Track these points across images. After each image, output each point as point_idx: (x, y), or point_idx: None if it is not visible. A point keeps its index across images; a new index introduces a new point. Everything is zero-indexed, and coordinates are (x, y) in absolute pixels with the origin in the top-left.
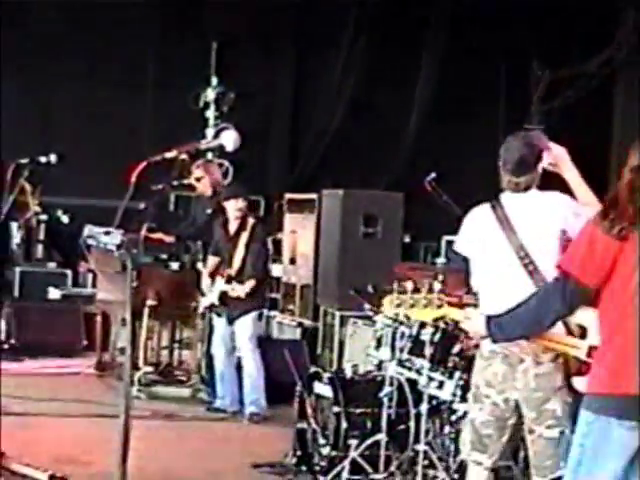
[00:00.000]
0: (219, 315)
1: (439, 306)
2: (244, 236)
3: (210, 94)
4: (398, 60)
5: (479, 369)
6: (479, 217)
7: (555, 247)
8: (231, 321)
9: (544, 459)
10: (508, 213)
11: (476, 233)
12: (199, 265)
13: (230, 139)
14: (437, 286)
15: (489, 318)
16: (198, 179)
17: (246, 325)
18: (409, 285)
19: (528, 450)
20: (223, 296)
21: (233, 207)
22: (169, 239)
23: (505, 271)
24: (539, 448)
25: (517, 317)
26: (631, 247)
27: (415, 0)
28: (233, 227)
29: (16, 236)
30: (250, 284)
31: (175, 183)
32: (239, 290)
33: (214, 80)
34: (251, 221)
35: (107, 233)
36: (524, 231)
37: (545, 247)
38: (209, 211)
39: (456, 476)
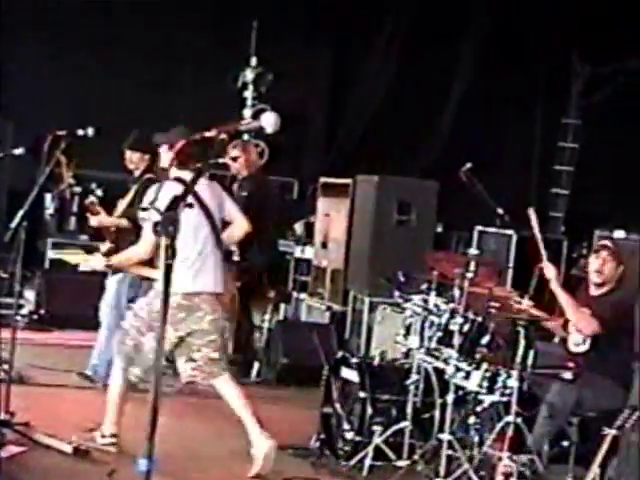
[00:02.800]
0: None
1: None
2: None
3: (249, 74)
4: (437, 50)
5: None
6: (176, 189)
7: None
8: None
9: (210, 366)
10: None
11: None
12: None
13: (270, 121)
14: (469, 275)
15: None
16: (234, 158)
17: (108, 287)
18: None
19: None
20: None
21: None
22: None
23: (198, 231)
24: (206, 361)
25: None
26: None
27: None
28: None
29: (50, 207)
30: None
31: (212, 162)
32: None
33: (253, 60)
34: (147, 177)
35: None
36: (208, 202)
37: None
38: (244, 193)
39: (479, 466)
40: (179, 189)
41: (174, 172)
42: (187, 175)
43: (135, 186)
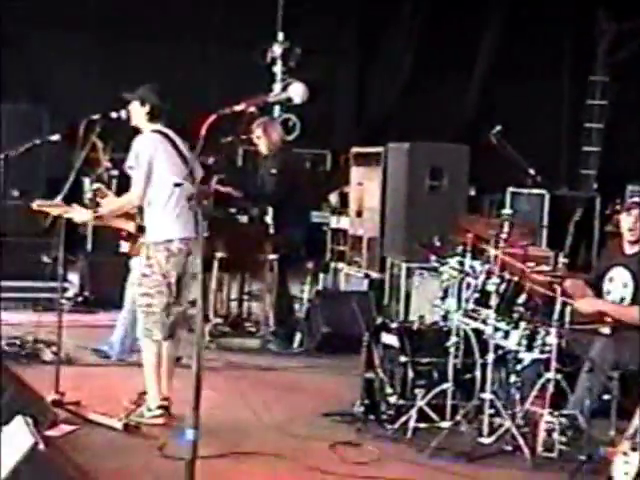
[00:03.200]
0: None
1: None
2: None
3: (277, 50)
4: (463, 14)
5: (174, 264)
6: (157, 140)
7: None
8: None
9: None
10: (174, 139)
11: (158, 151)
12: (267, 218)
13: (298, 92)
14: (503, 235)
15: None
16: (258, 137)
17: (133, 268)
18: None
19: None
20: None
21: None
22: (237, 194)
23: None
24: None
25: None
26: None
27: None
28: None
29: (88, 191)
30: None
31: (244, 137)
32: None
33: (280, 35)
34: None
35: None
36: (186, 154)
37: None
38: (274, 171)
39: (521, 423)
40: (160, 139)
41: (149, 126)
42: (160, 127)
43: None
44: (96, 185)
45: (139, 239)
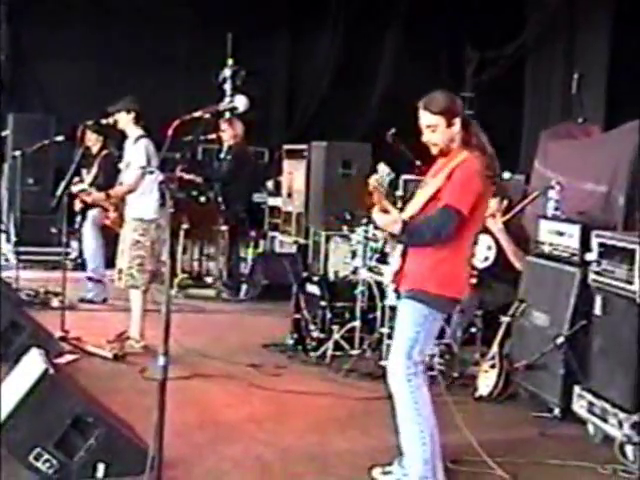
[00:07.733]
0: None
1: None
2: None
3: (227, 72)
4: (367, 41)
5: (158, 234)
6: (152, 144)
7: None
8: None
9: None
10: None
11: (154, 153)
12: (219, 199)
13: (241, 102)
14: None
15: (405, 224)
16: (223, 130)
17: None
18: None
19: None
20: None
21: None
22: (198, 179)
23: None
24: None
25: (421, 232)
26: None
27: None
28: None
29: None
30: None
31: (201, 137)
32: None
33: (230, 61)
34: (105, 152)
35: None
36: None
37: None
38: (229, 157)
39: None
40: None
41: (135, 129)
42: (141, 130)
43: (97, 160)
44: (78, 187)
45: (114, 214)
